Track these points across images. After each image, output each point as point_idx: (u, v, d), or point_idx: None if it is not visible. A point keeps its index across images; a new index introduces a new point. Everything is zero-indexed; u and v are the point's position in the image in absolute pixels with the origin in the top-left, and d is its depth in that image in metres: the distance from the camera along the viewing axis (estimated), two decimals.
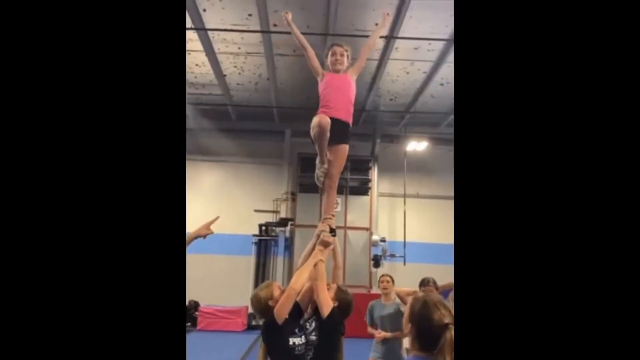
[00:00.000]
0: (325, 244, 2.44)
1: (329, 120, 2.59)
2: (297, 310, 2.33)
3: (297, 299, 2.33)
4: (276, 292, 2.27)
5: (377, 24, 3.18)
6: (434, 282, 3.85)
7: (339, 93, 2.81)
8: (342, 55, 2.88)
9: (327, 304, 2.25)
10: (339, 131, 2.70)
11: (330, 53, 2.92)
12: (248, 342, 7.73)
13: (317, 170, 2.80)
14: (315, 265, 2.32)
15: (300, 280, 2.27)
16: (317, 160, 2.78)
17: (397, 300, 3.94)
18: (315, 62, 2.93)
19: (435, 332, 1.38)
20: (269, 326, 2.22)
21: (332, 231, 2.59)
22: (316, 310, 2.33)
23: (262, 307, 2.26)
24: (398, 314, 3.72)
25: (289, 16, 3.01)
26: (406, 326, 1.51)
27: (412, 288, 3.83)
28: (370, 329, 3.94)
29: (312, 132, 2.64)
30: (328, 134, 2.60)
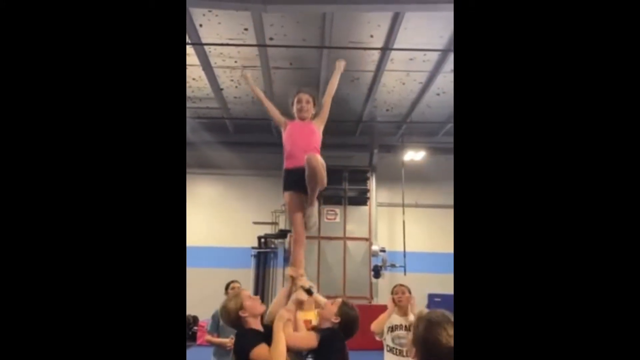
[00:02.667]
0: (300, 303, 2.35)
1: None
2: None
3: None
4: (246, 302, 2.16)
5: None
6: (407, 290, 3.45)
7: (303, 142, 2.75)
8: (307, 102, 2.85)
9: (307, 343, 2.11)
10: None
11: (295, 100, 2.87)
12: None
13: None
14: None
15: (278, 352, 2.03)
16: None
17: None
18: (276, 114, 2.97)
19: (444, 356, 1.21)
20: (241, 336, 2.13)
21: (308, 291, 2.44)
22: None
23: (233, 318, 2.16)
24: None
25: (248, 75, 3.32)
26: (411, 350, 1.32)
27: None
28: None
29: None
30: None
